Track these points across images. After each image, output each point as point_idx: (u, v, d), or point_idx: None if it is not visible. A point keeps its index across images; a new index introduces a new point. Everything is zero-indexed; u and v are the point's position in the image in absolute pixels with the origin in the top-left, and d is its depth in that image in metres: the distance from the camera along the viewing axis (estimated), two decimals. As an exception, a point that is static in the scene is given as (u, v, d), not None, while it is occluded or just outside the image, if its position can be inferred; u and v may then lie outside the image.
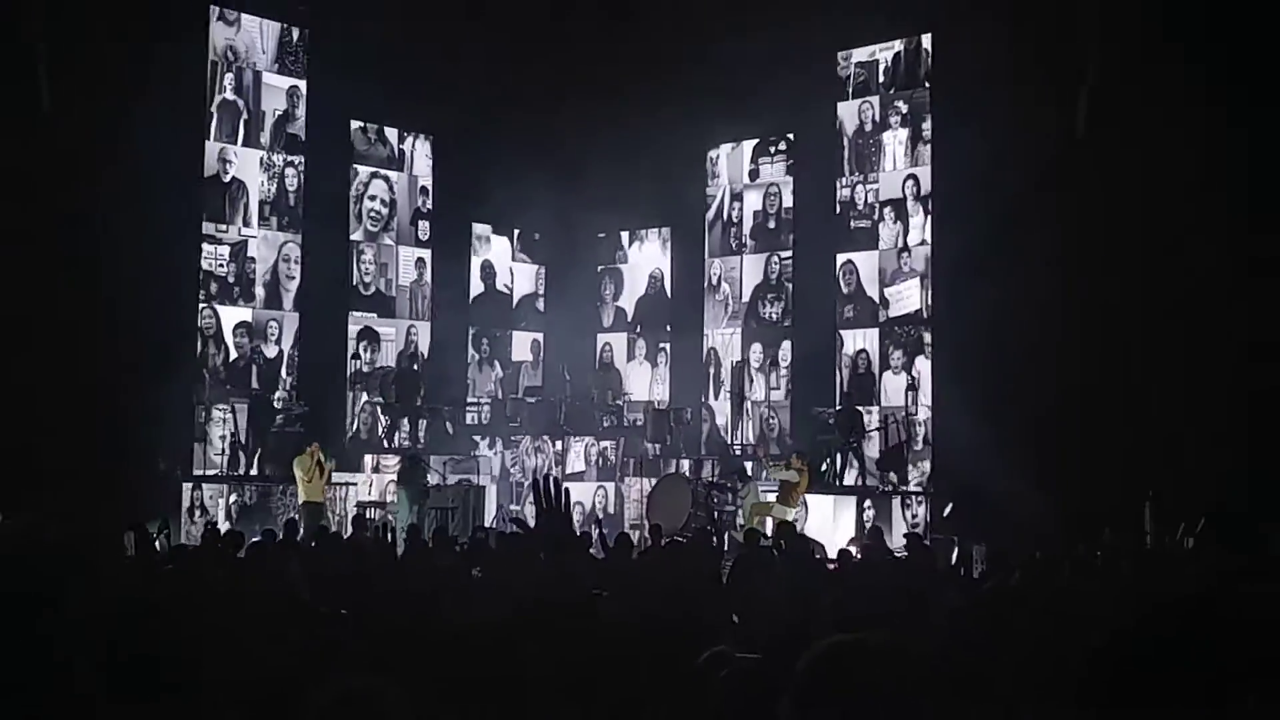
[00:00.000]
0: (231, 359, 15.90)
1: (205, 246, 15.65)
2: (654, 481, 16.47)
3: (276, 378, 16.28)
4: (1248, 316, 12.28)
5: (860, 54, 16.75)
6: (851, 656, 2.07)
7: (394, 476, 15.76)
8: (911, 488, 15.73)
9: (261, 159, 16.31)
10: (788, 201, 17.76)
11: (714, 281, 18.50)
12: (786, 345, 17.60)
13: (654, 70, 17.60)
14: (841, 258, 16.81)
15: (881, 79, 16.60)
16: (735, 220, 18.30)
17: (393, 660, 3.92)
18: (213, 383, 15.66)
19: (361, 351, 17.40)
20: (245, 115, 16.15)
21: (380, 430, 17.26)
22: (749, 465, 16.61)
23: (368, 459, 16.62)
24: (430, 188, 18.33)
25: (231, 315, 15.96)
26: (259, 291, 16.21)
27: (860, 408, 16.34)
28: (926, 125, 16.08)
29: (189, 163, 15.39)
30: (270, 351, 16.28)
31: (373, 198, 17.69)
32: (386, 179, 17.86)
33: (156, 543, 10.74)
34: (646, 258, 19.49)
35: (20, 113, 13.35)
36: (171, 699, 2.78)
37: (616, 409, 18.21)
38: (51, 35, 13.49)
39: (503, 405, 18.09)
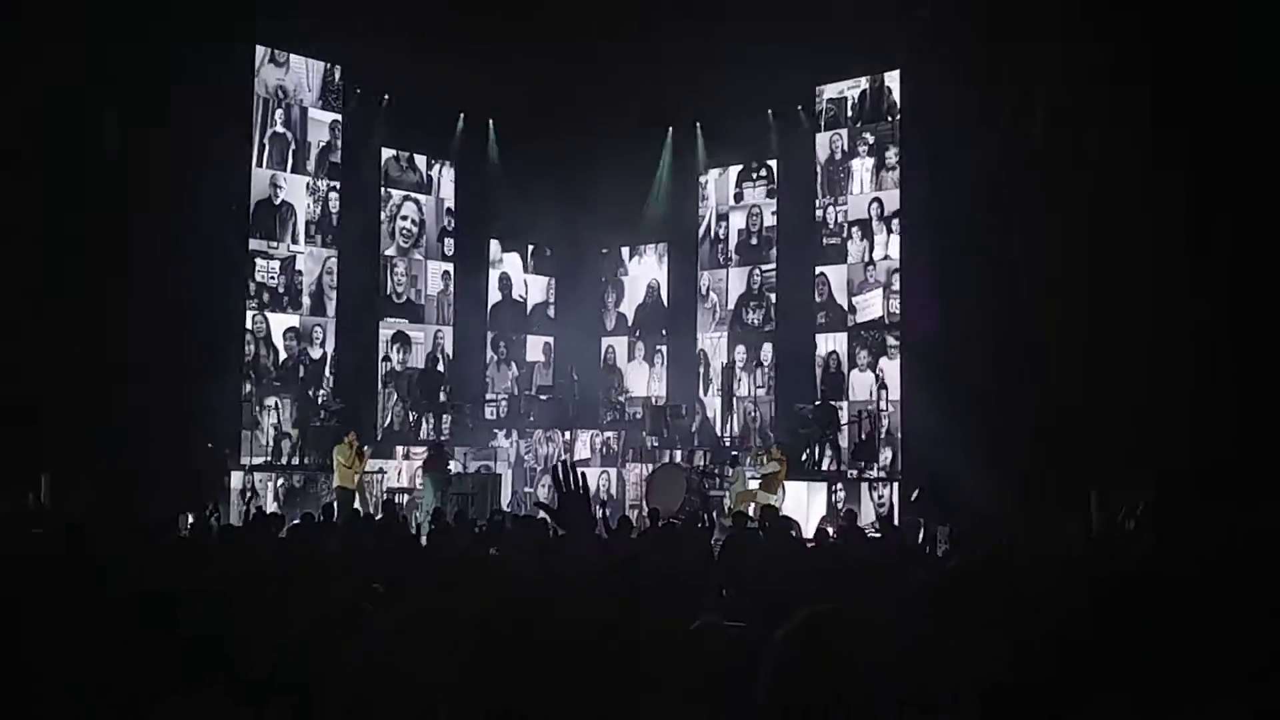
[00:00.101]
0: (281, 359, 16.02)
1: (258, 261, 15.79)
2: (652, 468, 16.48)
3: (321, 376, 16.41)
4: (1191, 314, 12.03)
5: (830, 91, 16.92)
6: (826, 625, 2.08)
7: (421, 465, 15.79)
8: (878, 474, 15.80)
9: (307, 184, 16.42)
10: (769, 221, 17.88)
11: (704, 291, 18.56)
12: (768, 347, 17.69)
13: (652, 105, 17.75)
14: (818, 270, 16.88)
15: (850, 114, 16.77)
16: (722, 237, 18.38)
17: (416, 629, 3.88)
18: (263, 380, 15.76)
19: (394, 353, 17.46)
20: (293, 146, 16.30)
21: (409, 423, 17.29)
22: (736, 455, 16.67)
23: (399, 449, 16.70)
24: (454, 209, 18.37)
25: (281, 321, 16.08)
26: (305, 300, 16.33)
27: (834, 403, 16.43)
28: (889, 154, 16.28)
29: (239, 187, 15.52)
30: (315, 353, 16.40)
31: (404, 218, 17.78)
32: (416, 201, 17.93)
33: (211, 524, 10.72)
34: (645, 270, 19.51)
35: (96, 146, 13.45)
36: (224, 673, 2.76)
37: (618, 404, 18.24)
38: (120, 78, 13.56)
39: (518, 401, 18.09)
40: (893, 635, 2.19)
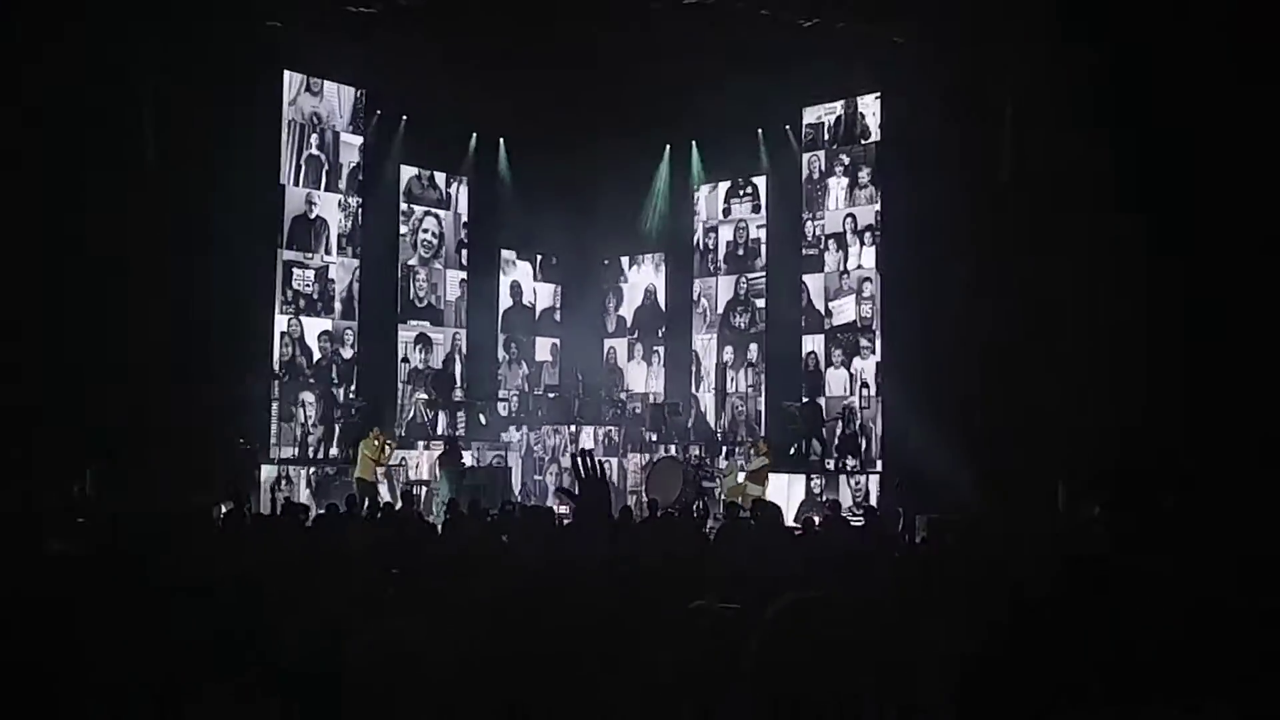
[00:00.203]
0: (315, 359, 16.19)
1: (295, 271, 16.01)
2: (651, 462, 16.52)
3: (351, 375, 16.56)
4: (1146, 315, 11.98)
5: (809, 115, 17.12)
6: (809, 607, 2.09)
7: (437, 459, 15.82)
8: (853, 466, 16.03)
9: (339, 201, 16.60)
10: (754, 234, 18.02)
11: (696, 297, 18.65)
12: (754, 348, 17.83)
13: (651, 126, 17.80)
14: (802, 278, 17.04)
15: (825, 137, 16.97)
16: (711, 248, 18.51)
17: (431, 610, 3.88)
18: (298, 379, 15.94)
19: (417, 354, 17.56)
20: (326, 167, 16.52)
21: (426, 419, 17.36)
22: (727, 449, 16.75)
23: (419, 444, 16.81)
24: (468, 222, 18.43)
25: (315, 325, 16.27)
26: (337, 306, 16.51)
27: (819, 400, 16.57)
28: (862, 173, 16.54)
29: (272, 203, 15.71)
30: (346, 354, 16.56)
31: (425, 230, 17.90)
32: (437, 216, 18.05)
33: (245, 513, 10.70)
34: (643, 277, 19.56)
35: (133, 165, 13.44)
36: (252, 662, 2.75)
37: (620, 401, 18.29)
38: (158, 100, 13.54)
39: (528, 398, 18.17)
40: (873, 616, 2.20)
